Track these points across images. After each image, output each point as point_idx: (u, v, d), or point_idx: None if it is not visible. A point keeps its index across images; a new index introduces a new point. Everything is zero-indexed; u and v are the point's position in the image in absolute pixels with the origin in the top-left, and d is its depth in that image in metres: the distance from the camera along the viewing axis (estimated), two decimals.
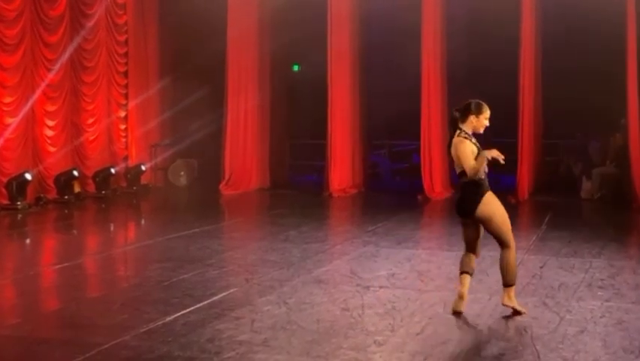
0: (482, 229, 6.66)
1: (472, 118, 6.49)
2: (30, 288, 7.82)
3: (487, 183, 6.58)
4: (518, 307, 6.54)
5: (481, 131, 6.56)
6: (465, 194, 6.58)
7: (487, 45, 16.77)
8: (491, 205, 6.51)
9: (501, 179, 17.12)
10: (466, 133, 6.47)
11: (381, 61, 17.15)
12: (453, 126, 6.55)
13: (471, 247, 6.73)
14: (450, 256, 9.21)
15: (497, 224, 6.50)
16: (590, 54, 15.66)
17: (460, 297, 6.58)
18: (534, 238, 10.53)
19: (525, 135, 14.92)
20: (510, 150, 15.50)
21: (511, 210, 13.86)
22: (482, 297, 7.14)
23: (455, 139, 6.46)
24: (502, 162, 6.37)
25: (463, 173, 6.47)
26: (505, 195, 14.89)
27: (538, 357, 5.45)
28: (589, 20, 14.83)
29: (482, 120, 6.52)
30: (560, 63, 16.12)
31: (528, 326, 6.17)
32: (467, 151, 6.38)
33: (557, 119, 16.66)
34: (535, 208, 14.26)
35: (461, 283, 6.64)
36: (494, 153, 6.35)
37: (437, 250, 9.98)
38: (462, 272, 6.67)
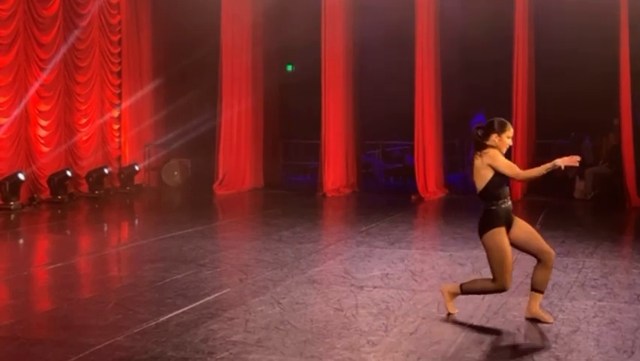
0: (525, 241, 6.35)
1: (494, 137, 6.20)
2: (23, 288, 7.80)
3: (504, 215, 6.23)
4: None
5: (504, 151, 6.24)
6: (482, 218, 6.31)
7: (481, 45, 16.81)
8: (496, 239, 6.17)
9: None
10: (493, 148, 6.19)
11: (374, 61, 17.18)
12: (477, 146, 6.26)
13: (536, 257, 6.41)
14: (443, 256, 9.24)
15: (494, 259, 6.21)
16: (583, 54, 15.70)
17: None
18: None
19: (519, 136, 14.92)
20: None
21: None
22: (475, 297, 7.14)
23: (485, 154, 6.18)
24: (576, 164, 6.08)
25: (482, 194, 6.26)
26: None
27: (532, 357, 5.46)
28: (583, 20, 14.88)
29: (505, 139, 6.21)
30: (554, 63, 16.18)
31: (521, 326, 6.18)
32: (502, 159, 6.15)
33: (550, 119, 16.70)
34: (529, 208, 14.28)
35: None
36: (567, 161, 6.03)
37: (431, 250, 9.99)
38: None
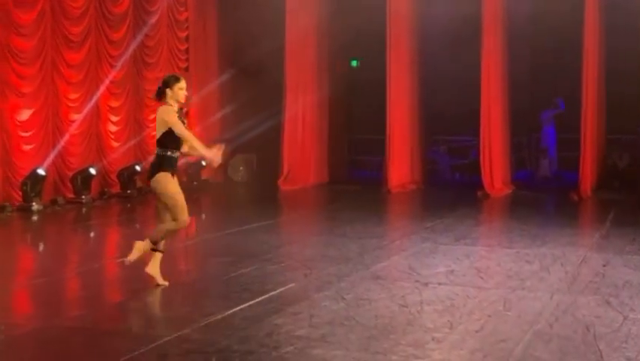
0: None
1: (168, 92, 7.17)
2: (94, 280, 7.97)
3: (173, 163, 7.29)
4: (159, 281, 7.32)
5: (182, 100, 7.24)
6: (153, 162, 7.34)
7: (549, 40, 16.51)
8: (162, 182, 7.19)
9: (564, 175, 16.94)
10: (170, 104, 7.16)
11: (440, 56, 17.01)
12: (158, 96, 7.25)
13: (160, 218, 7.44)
14: (510, 254, 9.11)
15: (166, 201, 7.24)
16: None
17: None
18: (597, 236, 10.34)
19: (588, 131, 14.64)
20: (573, 146, 15.34)
21: (574, 207, 13.76)
22: (543, 295, 7.04)
23: (161, 107, 7.21)
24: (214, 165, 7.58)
25: (160, 141, 7.20)
26: (568, 191, 14.73)
27: (601, 356, 5.35)
28: None
29: (177, 91, 7.18)
30: (624, 58, 15.76)
31: (591, 325, 6.06)
32: (175, 118, 7.10)
33: (621, 114, 16.30)
34: (599, 205, 13.99)
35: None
36: (215, 158, 7.50)
37: (497, 247, 9.86)
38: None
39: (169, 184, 7.23)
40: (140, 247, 7.35)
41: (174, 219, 7.26)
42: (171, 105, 7.17)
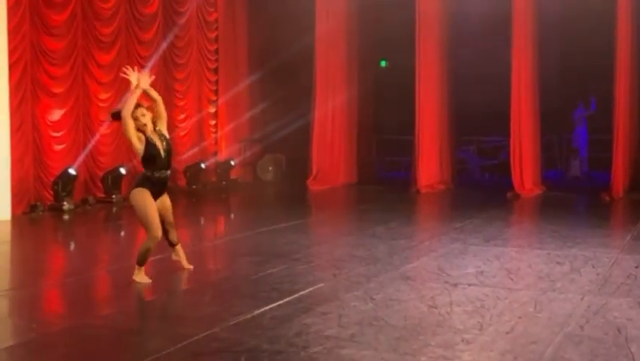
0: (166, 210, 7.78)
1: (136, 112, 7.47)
2: (123, 280, 8.01)
3: (153, 182, 7.48)
4: (144, 280, 7.50)
5: (144, 122, 7.49)
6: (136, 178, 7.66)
7: (581, 40, 16.35)
8: (137, 197, 7.38)
9: (595, 175, 16.77)
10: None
11: (470, 56, 16.93)
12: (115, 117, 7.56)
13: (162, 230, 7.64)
14: (541, 255, 9.04)
15: (139, 216, 7.43)
16: None
17: None
18: (628, 238, 10.22)
19: (621, 132, 14.48)
20: (604, 146, 15.18)
21: (605, 208, 13.62)
22: (574, 297, 6.97)
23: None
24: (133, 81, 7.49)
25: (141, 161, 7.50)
26: (599, 192, 14.57)
27: (633, 359, 5.28)
28: None
29: (140, 117, 7.49)
30: None
31: (622, 327, 5.99)
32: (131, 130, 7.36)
33: None
34: (630, 206, 13.82)
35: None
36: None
37: (527, 248, 9.79)
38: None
39: (143, 198, 7.41)
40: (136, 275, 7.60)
41: (147, 234, 7.50)
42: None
